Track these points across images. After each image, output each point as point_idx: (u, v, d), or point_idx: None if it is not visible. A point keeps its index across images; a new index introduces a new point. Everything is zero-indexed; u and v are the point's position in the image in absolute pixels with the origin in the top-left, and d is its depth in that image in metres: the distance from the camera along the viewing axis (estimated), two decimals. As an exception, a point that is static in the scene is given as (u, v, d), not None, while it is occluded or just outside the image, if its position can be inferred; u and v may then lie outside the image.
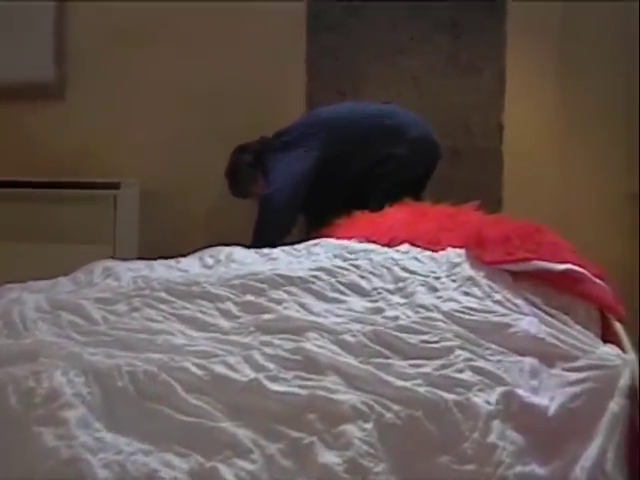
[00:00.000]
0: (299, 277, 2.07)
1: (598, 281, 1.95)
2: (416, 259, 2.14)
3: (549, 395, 1.62)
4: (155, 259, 2.50)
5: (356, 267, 2.11)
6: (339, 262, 2.18)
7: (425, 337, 1.76)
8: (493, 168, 3.93)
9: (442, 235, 2.27)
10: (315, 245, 2.49)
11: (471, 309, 1.85)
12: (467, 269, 2.04)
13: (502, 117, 3.91)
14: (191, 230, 3.85)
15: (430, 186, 3.57)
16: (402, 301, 1.93)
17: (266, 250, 2.51)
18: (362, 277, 2.06)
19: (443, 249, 2.20)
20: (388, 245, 2.36)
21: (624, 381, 1.62)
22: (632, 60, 3.92)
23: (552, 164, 4.00)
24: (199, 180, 3.87)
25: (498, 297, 1.90)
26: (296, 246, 2.53)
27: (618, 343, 1.75)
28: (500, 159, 3.93)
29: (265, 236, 3.15)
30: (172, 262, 2.49)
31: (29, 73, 3.71)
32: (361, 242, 2.44)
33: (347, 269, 2.10)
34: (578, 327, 1.80)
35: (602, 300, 1.90)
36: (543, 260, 1.96)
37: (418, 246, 2.27)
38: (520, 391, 1.61)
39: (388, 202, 2.84)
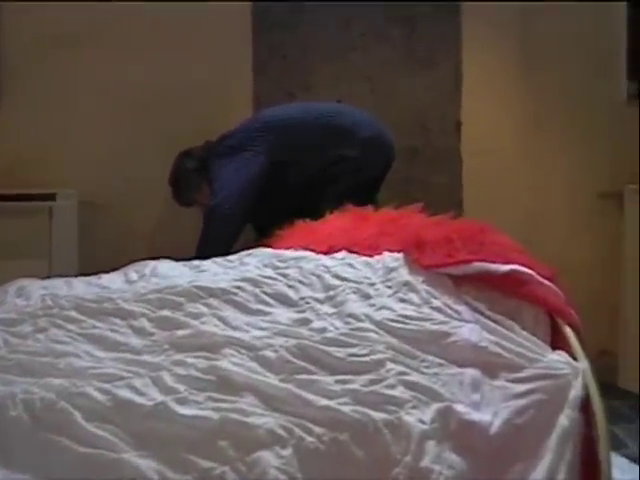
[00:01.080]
0: (220, 289, 1.87)
1: (547, 283, 1.77)
2: (350, 265, 1.94)
3: (492, 410, 1.44)
4: (95, 274, 2.31)
5: (284, 276, 1.91)
6: (267, 271, 1.99)
7: (354, 350, 1.57)
8: (452, 168, 3.76)
9: (382, 240, 2.08)
10: (248, 255, 2.29)
11: (406, 317, 1.66)
12: (404, 274, 1.85)
13: (460, 114, 3.74)
14: (134, 242, 3.63)
15: (387, 187, 3.39)
16: (331, 311, 1.74)
17: (196, 262, 2.32)
18: (290, 286, 1.86)
19: (381, 254, 2.02)
20: (326, 253, 2.18)
21: (575, 392, 1.43)
22: (599, 49, 3.77)
23: (516, 163, 3.83)
24: (143, 189, 3.65)
25: (437, 303, 1.71)
26: (229, 257, 2.33)
27: (569, 350, 1.56)
28: (459, 158, 3.75)
29: (211, 247, 2.95)
30: (93, 278, 2.28)
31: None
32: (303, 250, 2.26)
33: (274, 278, 1.90)
34: (525, 333, 1.61)
35: (551, 303, 1.71)
36: (486, 261, 1.78)
37: (356, 252, 2.08)
38: (459, 407, 1.42)
39: (340, 206, 2.65)
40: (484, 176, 3.79)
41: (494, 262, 1.76)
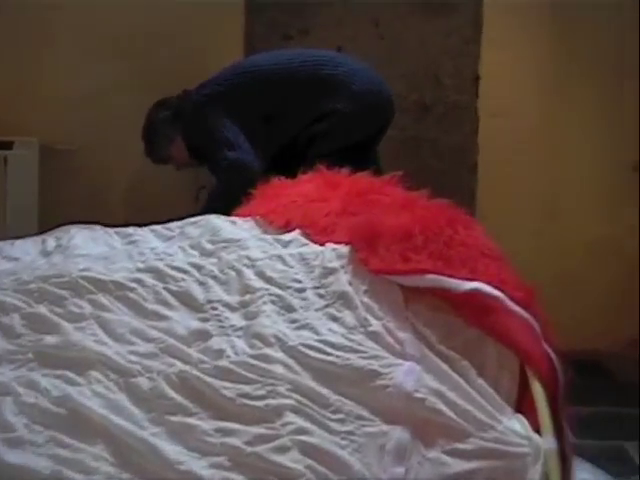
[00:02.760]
0: (115, 282, 1.47)
1: (519, 312, 1.32)
2: (281, 260, 1.51)
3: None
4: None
5: (198, 268, 1.50)
6: (189, 257, 1.58)
7: (248, 388, 1.18)
8: (467, 128, 3.29)
9: (341, 221, 1.65)
10: (193, 224, 1.89)
11: (330, 345, 1.25)
12: (343, 280, 1.43)
13: (478, 67, 3.26)
14: (107, 195, 3.26)
15: (391, 147, 2.96)
16: (240, 324, 1.34)
17: (129, 230, 1.92)
18: (200, 283, 1.46)
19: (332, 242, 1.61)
20: (284, 228, 1.78)
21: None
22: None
23: (539, 125, 3.33)
24: (118, 135, 3.26)
25: (375, 327, 1.30)
26: (169, 224, 1.94)
27: (535, 417, 1.14)
28: (475, 117, 3.28)
29: (227, 204, 2.55)
30: (4, 245, 1.90)
31: None
32: (255, 223, 1.86)
33: (185, 271, 1.50)
34: (481, 382, 1.18)
35: (521, 344, 1.27)
36: (445, 274, 1.35)
37: (309, 235, 1.67)
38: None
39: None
40: (503, 138, 3.29)
41: (456, 275, 1.33)
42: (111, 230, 1.95)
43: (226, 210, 2.17)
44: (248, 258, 1.52)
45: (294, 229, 1.77)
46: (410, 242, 1.43)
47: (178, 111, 2.92)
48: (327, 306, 1.37)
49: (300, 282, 1.44)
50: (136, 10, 3.26)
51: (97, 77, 3.29)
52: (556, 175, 3.34)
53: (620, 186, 3.34)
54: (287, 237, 1.70)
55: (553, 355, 1.26)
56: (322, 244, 1.64)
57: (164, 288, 1.46)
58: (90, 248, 1.79)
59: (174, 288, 1.46)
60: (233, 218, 1.96)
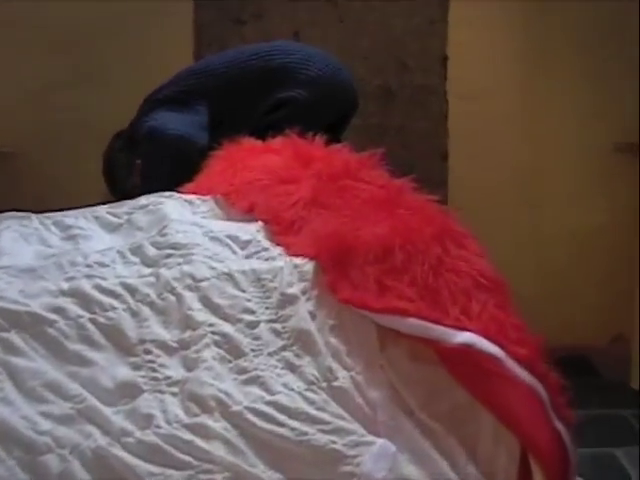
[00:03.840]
0: (31, 314, 1.24)
1: (522, 376, 1.06)
2: (231, 281, 1.25)
3: None
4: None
5: (132, 292, 1.27)
6: (114, 274, 1.34)
7: (177, 476, 0.94)
8: (436, 113, 3.08)
9: (311, 217, 1.40)
10: (143, 209, 1.63)
11: (285, 410, 1.02)
12: (304, 313, 1.17)
13: (446, 47, 3.04)
14: (51, 197, 3.02)
15: (356, 136, 2.75)
16: (177, 376, 1.10)
17: (69, 221, 1.66)
18: (134, 313, 1.23)
19: (297, 246, 1.37)
20: (247, 212, 1.57)
21: None
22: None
23: (514, 108, 3.08)
24: (59, 135, 3.02)
25: (342, 381, 1.05)
26: (118, 207, 1.71)
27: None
28: (444, 101, 3.06)
29: (157, 179, 2.29)
30: None
31: None
32: (215, 204, 1.64)
33: (116, 295, 1.26)
34: (471, 470, 0.95)
35: (521, 424, 1.02)
36: (432, 316, 1.09)
37: (274, 231, 1.43)
38: None
39: None
40: (474, 123, 3.07)
41: (443, 319, 1.08)
42: (49, 220, 1.68)
43: (163, 185, 1.93)
44: (192, 277, 1.28)
45: (256, 217, 1.55)
46: (388, 262, 1.18)
47: (131, 131, 2.67)
48: (284, 348, 1.12)
49: (253, 313, 1.19)
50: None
51: (36, 74, 3.06)
52: (533, 160, 3.13)
53: (603, 169, 3.15)
54: (245, 236, 1.45)
55: (563, 431, 1.02)
56: (286, 246, 1.41)
57: (90, 320, 1.22)
58: (16, 253, 1.50)
59: (102, 320, 1.22)
60: (191, 197, 1.72)
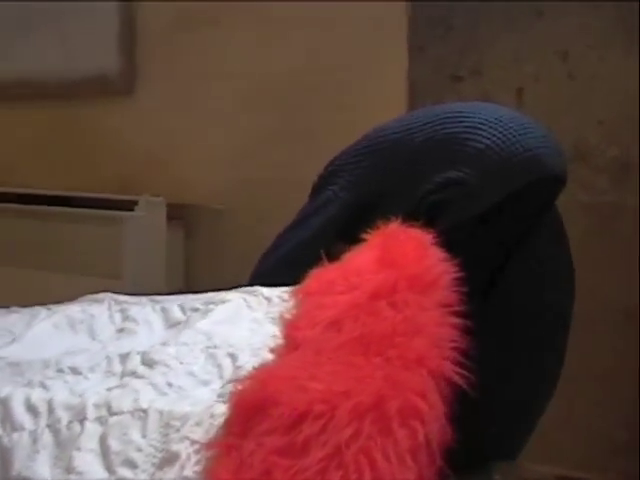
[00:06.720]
0: None
1: None
2: (142, 420, 0.96)
3: None
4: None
5: (50, 411, 1.06)
6: (81, 383, 1.14)
7: None
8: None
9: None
10: (204, 313, 1.42)
11: None
12: None
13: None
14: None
15: (587, 216, 2.31)
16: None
17: (134, 308, 1.51)
18: (34, 439, 1.02)
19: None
20: None
21: None
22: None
23: None
24: (270, 194, 2.98)
25: None
26: (199, 299, 1.47)
27: None
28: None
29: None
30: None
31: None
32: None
33: (36, 414, 1.06)
34: None
35: None
36: None
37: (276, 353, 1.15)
38: None
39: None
40: None
41: None
42: (117, 307, 1.57)
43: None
44: (108, 409, 1.05)
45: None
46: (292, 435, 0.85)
47: None
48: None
49: (135, 467, 0.91)
50: (290, 55, 3.01)
51: (248, 129, 3.08)
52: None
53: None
54: (243, 356, 1.19)
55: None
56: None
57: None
58: (41, 343, 1.39)
59: (3, 442, 1.05)
60: (274, 294, 1.45)
